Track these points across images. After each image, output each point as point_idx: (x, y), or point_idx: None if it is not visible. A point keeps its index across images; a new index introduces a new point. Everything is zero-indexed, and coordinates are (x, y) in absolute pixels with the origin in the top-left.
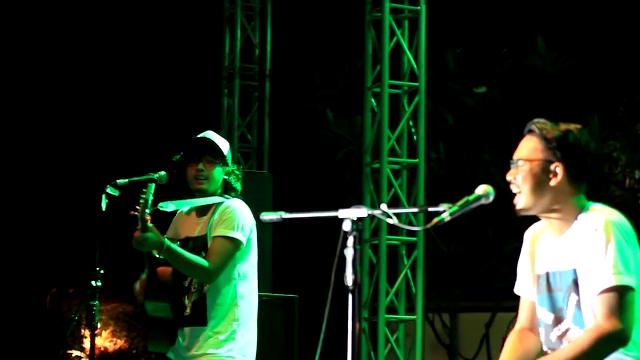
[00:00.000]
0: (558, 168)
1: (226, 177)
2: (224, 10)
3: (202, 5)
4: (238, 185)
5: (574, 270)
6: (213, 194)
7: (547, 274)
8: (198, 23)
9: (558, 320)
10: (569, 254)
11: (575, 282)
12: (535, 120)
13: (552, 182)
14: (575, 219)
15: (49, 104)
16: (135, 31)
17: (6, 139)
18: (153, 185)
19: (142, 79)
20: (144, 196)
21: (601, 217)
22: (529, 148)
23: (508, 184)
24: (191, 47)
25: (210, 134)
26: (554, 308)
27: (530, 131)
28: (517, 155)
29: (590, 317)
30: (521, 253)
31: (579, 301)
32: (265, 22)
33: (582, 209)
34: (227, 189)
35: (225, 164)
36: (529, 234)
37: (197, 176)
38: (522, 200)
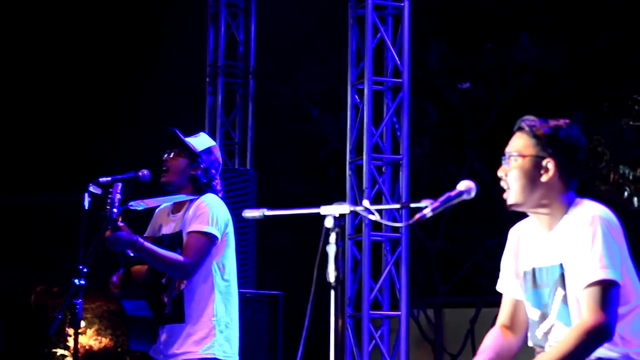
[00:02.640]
0: (550, 164)
1: (193, 172)
2: (208, 8)
3: (185, 2)
4: (213, 185)
5: (561, 265)
6: (178, 187)
7: (534, 270)
8: (182, 20)
9: (543, 317)
10: (556, 249)
11: (562, 277)
12: (525, 117)
13: (544, 178)
14: (564, 214)
15: (30, 101)
16: (119, 29)
17: None
18: (120, 185)
19: (127, 77)
20: (110, 195)
21: (589, 211)
22: (519, 144)
23: (492, 179)
24: (175, 45)
25: (199, 134)
26: (540, 304)
27: (520, 128)
28: (507, 150)
29: (577, 312)
30: (505, 250)
31: (565, 296)
32: (249, 19)
33: (570, 203)
34: (196, 186)
35: (193, 160)
36: (514, 232)
37: (162, 167)
38: (513, 196)
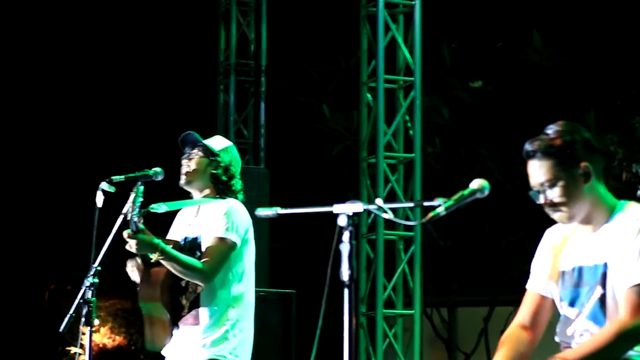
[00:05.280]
0: (586, 167)
1: (214, 172)
2: (219, 6)
3: (197, 1)
4: (234, 183)
5: (605, 264)
6: (201, 188)
7: (575, 269)
8: (193, 19)
9: (577, 315)
10: (601, 249)
11: (604, 276)
12: (529, 143)
13: (587, 184)
14: (610, 215)
15: (43, 101)
16: (130, 28)
17: (2, 136)
18: (142, 187)
19: (138, 76)
20: (132, 198)
21: (638, 214)
22: (547, 168)
23: (504, 178)
24: (187, 43)
25: (214, 137)
26: (576, 303)
27: (534, 155)
28: (538, 180)
29: (614, 312)
30: (540, 249)
31: (603, 295)
32: (260, 17)
33: (615, 205)
34: (219, 188)
35: (213, 159)
36: (552, 232)
37: (182, 171)
38: (566, 215)
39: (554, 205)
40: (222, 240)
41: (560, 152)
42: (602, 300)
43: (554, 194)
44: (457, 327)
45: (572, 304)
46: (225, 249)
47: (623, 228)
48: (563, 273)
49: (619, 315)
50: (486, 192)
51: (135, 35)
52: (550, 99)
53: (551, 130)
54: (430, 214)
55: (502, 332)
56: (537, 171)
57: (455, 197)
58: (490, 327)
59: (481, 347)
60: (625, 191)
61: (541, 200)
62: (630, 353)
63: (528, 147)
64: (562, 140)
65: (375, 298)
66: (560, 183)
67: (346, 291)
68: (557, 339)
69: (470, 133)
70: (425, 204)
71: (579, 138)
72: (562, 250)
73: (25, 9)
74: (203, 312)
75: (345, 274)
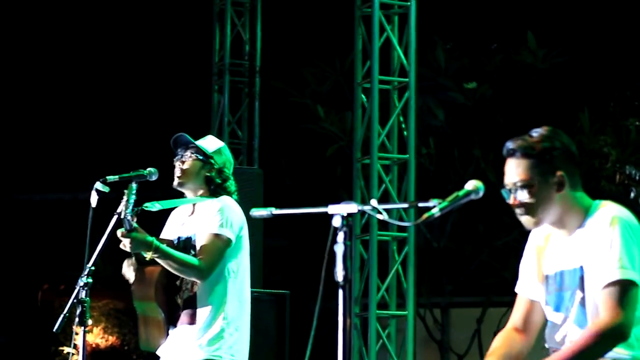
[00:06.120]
0: (561, 177)
1: (208, 174)
2: (214, 6)
3: (192, 1)
4: (228, 185)
5: (581, 267)
6: (194, 190)
7: (557, 274)
8: (188, 19)
9: (564, 320)
10: (577, 252)
11: (581, 279)
12: (511, 141)
13: (560, 192)
14: (585, 217)
15: (39, 100)
16: (125, 28)
17: None
18: (135, 186)
19: (133, 76)
20: (125, 197)
21: (609, 213)
22: (523, 169)
23: (498, 179)
24: (181, 44)
25: (206, 137)
26: (561, 307)
27: (513, 153)
28: (512, 179)
29: (594, 314)
30: (526, 252)
31: (583, 298)
32: (255, 18)
33: (590, 206)
34: (212, 188)
35: (207, 162)
36: (535, 235)
37: (175, 172)
38: (533, 220)
39: (522, 207)
40: (217, 236)
41: (539, 157)
42: (583, 303)
43: (524, 196)
44: (450, 328)
45: (557, 308)
46: (220, 245)
47: (595, 230)
48: (547, 277)
49: (598, 315)
50: (481, 194)
51: (130, 35)
52: (545, 100)
53: (536, 133)
54: (425, 215)
55: (495, 333)
56: (513, 170)
57: (450, 198)
58: (483, 329)
59: (474, 348)
60: (619, 193)
61: (511, 200)
62: (623, 356)
63: (509, 144)
64: (543, 146)
65: (369, 299)
66: (533, 186)
67: (340, 292)
68: (546, 345)
69: (464, 134)
70: (420, 205)
71: (559, 145)
72: (545, 251)
73: (20, 10)
74: (199, 311)
75: (339, 274)
